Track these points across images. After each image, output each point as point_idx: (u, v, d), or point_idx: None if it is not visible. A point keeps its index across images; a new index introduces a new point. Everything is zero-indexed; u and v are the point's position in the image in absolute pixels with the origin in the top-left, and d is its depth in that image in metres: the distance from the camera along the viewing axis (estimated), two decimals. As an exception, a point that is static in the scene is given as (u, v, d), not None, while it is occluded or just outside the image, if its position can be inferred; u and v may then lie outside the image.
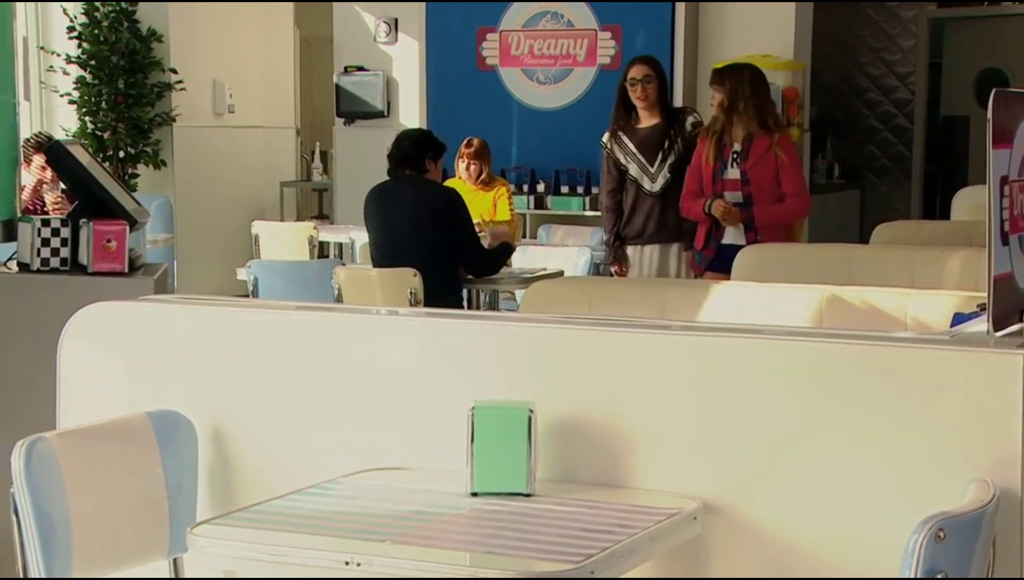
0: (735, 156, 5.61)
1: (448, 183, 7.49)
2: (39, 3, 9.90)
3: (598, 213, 8.94)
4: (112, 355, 2.77)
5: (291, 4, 10.95)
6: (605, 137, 6.29)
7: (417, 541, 2.14)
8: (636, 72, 6.20)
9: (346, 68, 9.90)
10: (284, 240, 7.59)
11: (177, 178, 9.76)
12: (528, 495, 2.39)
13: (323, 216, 10.48)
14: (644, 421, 2.49)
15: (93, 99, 9.67)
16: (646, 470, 2.48)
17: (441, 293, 5.60)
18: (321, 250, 7.92)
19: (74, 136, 9.53)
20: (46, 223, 3.98)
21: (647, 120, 6.19)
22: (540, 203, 9.32)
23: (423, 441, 2.58)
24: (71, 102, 9.66)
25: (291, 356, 2.70)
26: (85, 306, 2.79)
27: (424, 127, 9.19)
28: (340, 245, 7.87)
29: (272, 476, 2.62)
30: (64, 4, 9.74)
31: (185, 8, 9.88)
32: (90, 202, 4.06)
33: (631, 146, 6.17)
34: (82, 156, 4.24)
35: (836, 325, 3.73)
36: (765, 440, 2.44)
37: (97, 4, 9.62)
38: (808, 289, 3.91)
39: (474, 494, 2.39)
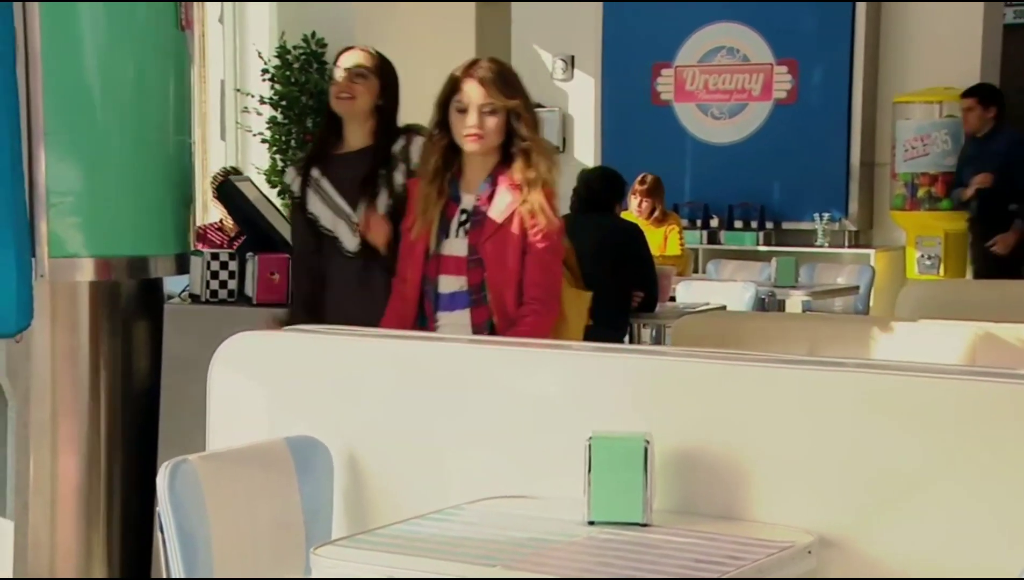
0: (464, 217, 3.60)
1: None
2: (237, 48, 10.32)
3: (772, 248, 8.92)
4: (256, 382, 2.91)
5: (472, 43, 11.17)
6: (289, 175, 4.23)
7: (528, 567, 2.20)
8: (345, 59, 4.16)
9: (523, 105, 10.06)
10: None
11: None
12: (644, 525, 2.43)
13: (501, 250, 10.62)
14: (765, 454, 2.51)
15: (283, 137, 10.02)
16: (766, 503, 2.49)
17: (608, 326, 5.65)
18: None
19: (265, 173, 9.92)
20: (215, 257, 4.18)
21: (353, 141, 4.13)
22: (713, 238, 9.33)
23: (547, 470, 2.65)
24: (263, 141, 10.03)
25: (422, 385, 2.80)
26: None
27: (601, 163, 9.30)
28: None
29: (404, 501, 2.71)
30: (259, 48, 10.15)
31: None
32: (256, 236, 4.25)
33: (325, 183, 4.07)
34: (250, 192, 4.44)
35: (989, 363, 3.67)
36: (888, 476, 2.43)
37: (288, 48, 9.98)
38: (962, 326, 3.86)
39: (591, 523, 2.44)
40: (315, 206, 4.03)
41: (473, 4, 11.04)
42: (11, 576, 4.05)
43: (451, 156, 3.62)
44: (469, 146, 3.57)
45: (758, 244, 9.18)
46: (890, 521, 2.42)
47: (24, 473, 3.99)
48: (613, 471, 2.43)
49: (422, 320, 3.62)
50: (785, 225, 9.37)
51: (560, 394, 2.71)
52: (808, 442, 2.49)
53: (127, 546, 4.20)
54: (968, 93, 8.25)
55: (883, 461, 2.43)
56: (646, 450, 2.43)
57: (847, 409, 2.48)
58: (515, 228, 3.54)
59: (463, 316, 3.57)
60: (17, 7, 3.89)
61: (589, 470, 2.44)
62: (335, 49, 9.92)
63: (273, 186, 9.94)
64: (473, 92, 3.58)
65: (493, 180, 3.58)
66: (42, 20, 3.98)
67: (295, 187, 4.10)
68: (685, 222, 9.16)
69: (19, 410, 3.92)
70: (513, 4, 10.08)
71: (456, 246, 3.58)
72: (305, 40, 10.02)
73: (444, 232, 3.58)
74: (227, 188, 4.36)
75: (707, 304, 6.14)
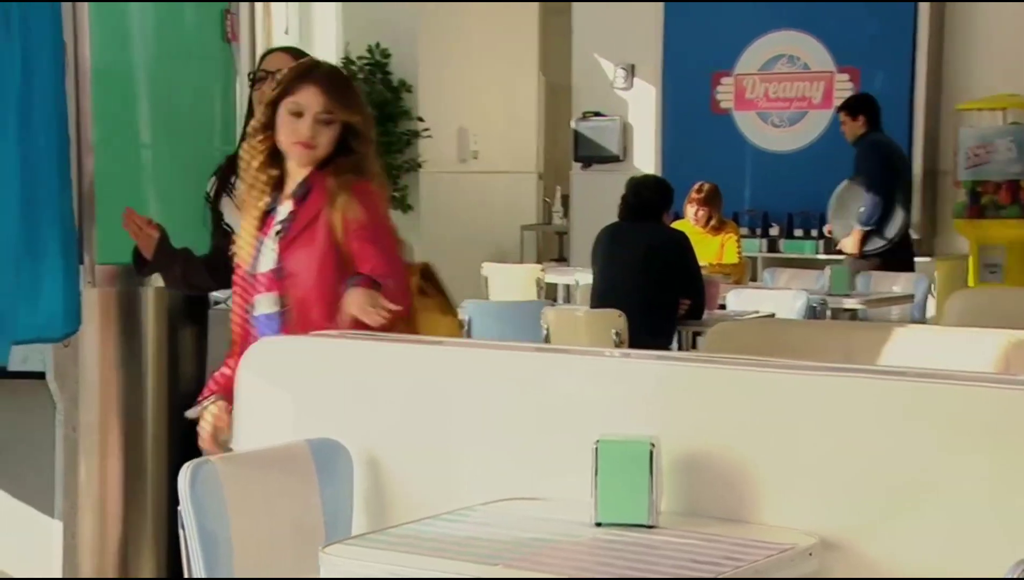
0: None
1: (677, 225, 7.61)
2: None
3: (831, 256, 8.88)
4: (280, 386, 2.99)
5: (536, 52, 11.26)
6: (210, 182, 4.07)
7: (528, 566, 2.25)
8: (270, 63, 3.91)
9: (584, 113, 10.11)
10: (513, 282, 7.81)
11: (422, 222, 10.15)
12: (650, 527, 2.47)
13: (562, 259, 10.69)
14: (772, 458, 2.54)
15: (347, 147, 10.16)
16: (772, 506, 2.52)
17: (654, 335, 5.69)
18: (550, 292, 8.11)
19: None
20: (258, 264, 4.26)
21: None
22: (773, 246, 9.32)
23: (561, 472, 2.69)
24: (328, 150, 10.18)
25: (440, 389, 2.85)
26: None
27: (658, 171, 9.32)
28: (567, 287, 8.03)
29: (422, 502, 2.76)
30: (324, 59, 10.30)
31: (434, 59, 10.30)
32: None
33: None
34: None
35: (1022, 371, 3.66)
36: (894, 481, 2.45)
37: (352, 58, 10.13)
38: (996, 334, 3.85)
39: (598, 524, 2.48)
40: (229, 212, 3.93)
41: (536, 14, 11.13)
42: (60, 577, 4.16)
43: (273, 162, 3.27)
44: (296, 155, 3.23)
45: (817, 252, 9.15)
46: (896, 526, 2.43)
47: (72, 475, 4.10)
48: (620, 474, 2.47)
49: None
50: (846, 233, 9.32)
51: (575, 398, 2.75)
52: (816, 446, 2.52)
53: (174, 546, 4.29)
54: None
55: (890, 465, 2.45)
56: (651, 453, 2.47)
57: (854, 413, 2.50)
58: (321, 234, 3.17)
59: None
60: (67, 18, 4.00)
61: (596, 473, 2.49)
62: (399, 59, 10.14)
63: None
64: (312, 97, 3.20)
65: (307, 183, 3.25)
66: (92, 31, 4.09)
67: (212, 192, 4.06)
68: (744, 230, 9.17)
69: (67, 413, 4.02)
70: (574, 13, 10.14)
71: (268, 260, 3.24)
72: (369, 51, 10.18)
73: (259, 248, 3.25)
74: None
75: (756, 311, 6.15)
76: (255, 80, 3.92)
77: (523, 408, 2.78)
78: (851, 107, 8.15)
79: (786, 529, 2.46)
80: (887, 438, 2.46)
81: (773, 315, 6.07)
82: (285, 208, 3.25)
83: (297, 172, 3.27)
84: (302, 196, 3.24)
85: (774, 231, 9.39)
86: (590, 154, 10.04)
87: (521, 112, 11.13)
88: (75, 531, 4.11)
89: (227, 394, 3.23)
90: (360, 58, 10.12)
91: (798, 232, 9.34)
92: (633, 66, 10.01)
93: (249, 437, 2.96)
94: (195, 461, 2.67)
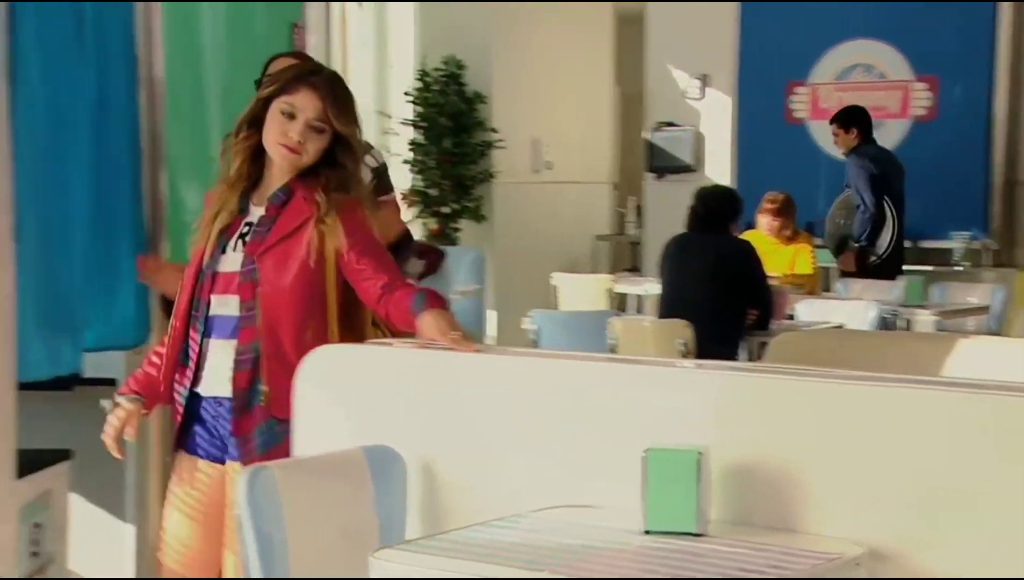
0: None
1: (749, 236, 7.59)
2: (379, 71, 10.57)
3: (909, 266, 8.79)
4: (337, 393, 3.04)
5: (610, 63, 11.27)
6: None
7: (572, 573, 2.27)
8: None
9: (657, 124, 10.11)
10: (584, 292, 7.83)
11: (496, 232, 10.20)
12: (698, 535, 2.48)
13: (635, 269, 10.69)
14: (823, 468, 2.55)
15: (422, 158, 10.25)
16: (822, 516, 2.52)
17: (721, 344, 5.69)
18: (621, 302, 8.12)
19: (404, 194, 10.15)
20: (324, 274, 4.32)
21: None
22: (848, 256, 9.22)
23: (614, 481, 2.71)
24: (404, 162, 10.27)
25: (493, 397, 2.89)
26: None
27: (732, 182, 9.30)
28: (638, 297, 8.04)
29: (474, 509, 2.79)
30: (400, 71, 10.40)
31: (509, 71, 10.35)
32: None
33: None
34: (363, 213, 4.59)
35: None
36: (945, 492, 2.45)
37: (428, 70, 10.21)
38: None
39: (647, 532, 2.50)
40: None
41: (611, 24, 11.15)
42: (134, 577, 4.25)
43: (254, 160, 3.16)
44: (280, 156, 3.11)
45: (894, 262, 9.06)
46: (947, 536, 2.43)
47: (143, 479, 4.19)
48: (668, 483, 2.49)
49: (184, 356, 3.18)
50: (923, 244, 9.23)
51: (628, 407, 2.77)
52: (867, 455, 2.52)
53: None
54: None
55: (940, 475, 2.45)
56: (699, 463, 2.49)
57: (904, 423, 2.50)
58: (303, 246, 3.08)
59: (228, 345, 3.11)
60: (140, 32, 4.10)
61: (645, 482, 2.51)
62: (474, 71, 10.21)
63: (412, 205, 10.18)
64: (308, 100, 3.09)
65: (289, 190, 3.14)
66: (165, 48, 4.18)
67: None
68: (819, 241, 9.11)
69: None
70: (648, 23, 10.14)
71: (232, 261, 3.12)
72: (445, 62, 10.24)
73: (221, 248, 3.13)
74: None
75: (826, 322, 6.12)
76: (260, 85, 3.58)
77: (576, 416, 2.81)
78: (843, 119, 8.23)
79: (835, 539, 2.46)
80: (938, 448, 2.46)
81: (842, 326, 6.04)
82: (258, 211, 3.14)
83: (276, 176, 3.15)
84: (281, 203, 3.13)
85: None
86: (663, 164, 10.03)
87: (595, 122, 11.15)
88: (146, 534, 4.20)
89: (146, 394, 3.25)
90: (436, 69, 10.20)
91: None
92: (707, 76, 9.99)
93: (309, 443, 3.01)
94: (254, 467, 2.73)
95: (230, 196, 3.14)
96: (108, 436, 3.22)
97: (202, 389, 3.18)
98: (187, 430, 3.24)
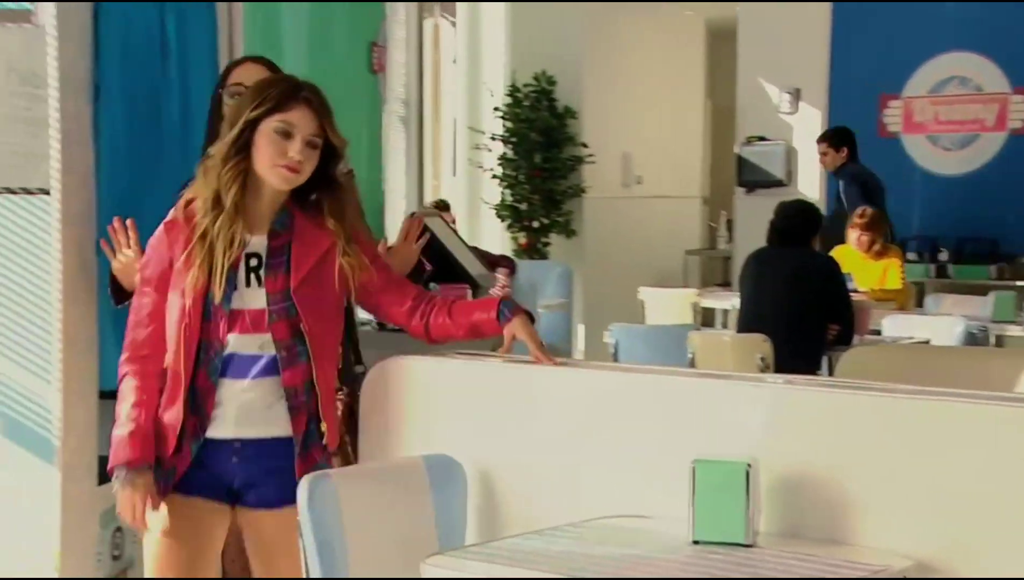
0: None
1: (839, 250, 7.53)
2: (470, 87, 10.68)
3: (1005, 282, 8.68)
4: (401, 403, 3.10)
5: (702, 78, 11.26)
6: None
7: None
8: (243, 75, 3.48)
9: (748, 138, 10.09)
10: (671, 306, 7.83)
11: (586, 247, 10.24)
12: (747, 546, 2.50)
13: (727, 284, 10.66)
14: (873, 481, 2.55)
15: (512, 173, 10.33)
16: (871, 529, 2.53)
17: (801, 359, 5.66)
18: (708, 317, 8.11)
19: (495, 208, 10.25)
20: (400, 287, 4.40)
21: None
22: (942, 272, 9.13)
23: (667, 491, 2.74)
24: (493, 177, 10.36)
25: (551, 409, 2.94)
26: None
27: (823, 196, 9.25)
28: (725, 312, 8.03)
29: (531, 518, 2.84)
30: (491, 87, 10.49)
31: (599, 86, 10.40)
32: (441, 268, 4.46)
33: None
34: (438, 227, 4.66)
35: None
36: (997, 507, 2.44)
37: (519, 86, 10.29)
38: None
39: (695, 542, 2.53)
40: None
41: (703, 39, 11.14)
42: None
43: (245, 186, 2.93)
44: (280, 178, 2.92)
45: (990, 278, 8.94)
46: (995, 550, 2.42)
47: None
48: (716, 494, 2.52)
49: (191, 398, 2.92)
50: (1021, 259, 9.10)
51: (682, 418, 2.80)
52: (916, 468, 2.52)
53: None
54: None
55: (990, 490, 2.44)
56: (748, 474, 2.51)
57: (953, 437, 2.50)
58: (332, 276, 2.96)
59: (259, 385, 2.91)
60: (223, 52, 4.20)
61: (693, 492, 2.54)
62: (564, 86, 10.27)
63: (503, 220, 10.26)
64: (304, 118, 2.92)
65: (290, 215, 2.98)
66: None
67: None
68: (913, 256, 9.02)
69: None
70: (740, 37, 10.12)
71: (252, 297, 2.92)
72: (536, 78, 10.31)
73: (231, 283, 2.91)
74: (413, 222, 4.59)
75: (910, 337, 6.06)
76: (220, 91, 3.51)
77: (632, 428, 2.85)
78: (835, 139, 8.40)
79: (883, 551, 2.47)
80: (987, 462, 2.45)
81: (928, 342, 5.98)
82: (258, 241, 2.94)
83: (267, 200, 2.95)
84: (289, 228, 2.96)
85: (943, 256, 9.21)
86: (754, 179, 10.00)
87: (686, 137, 11.15)
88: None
89: (151, 457, 2.92)
90: (526, 85, 10.27)
91: (969, 257, 9.14)
92: (799, 90, 9.94)
93: (373, 451, 3.08)
94: (314, 474, 2.80)
95: (231, 227, 2.89)
96: (137, 522, 2.94)
97: (215, 432, 2.92)
98: (184, 475, 2.95)
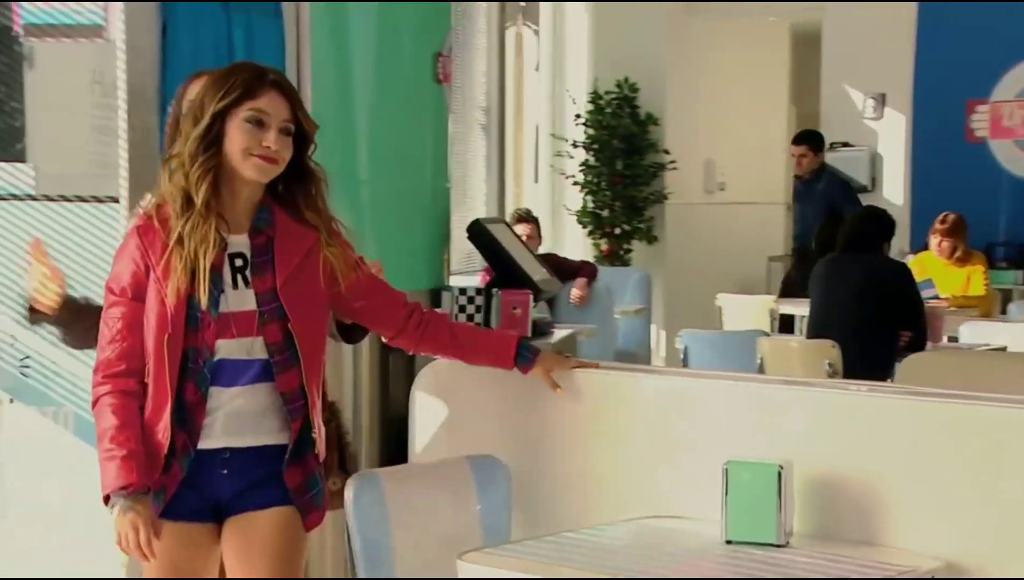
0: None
1: (919, 257, 7.47)
2: (553, 94, 10.73)
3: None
4: (448, 405, 3.17)
5: (786, 84, 11.19)
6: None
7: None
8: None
9: (832, 144, 10.01)
10: (748, 312, 7.81)
11: (668, 253, 10.23)
12: (779, 546, 2.53)
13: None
14: (905, 483, 2.58)
15: (594, 180, 10.35)
16: (903, 530, 2.55)
17: (871, 366, 5.62)
18: (785, 323, 8.06)
19: (576, 214, 10.29)
20: (463, 292, 4.49)
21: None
22: (1033, 278, 9.02)
23: (705, 493, 2.77)
24: (575, 184, 10.39)
25: (599, 411, 2.98)
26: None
27: (908, 202, 9.17)
28: (803, 318, 7.98)
29: (573, 517, 2.89)
30: (573, 94, 10.54)
31: (682, 92, 10.39)
32: (503, 274, 4.53)
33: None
34: (501, 234, 4.73)
35: None
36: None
37: (600, 93, 10.33)
38: None
39: (728, 542, 2.56)
40: None
41: (787, 44, 11.08)
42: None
43: (216, 184, 2.72)
44: (256, 169, 2.71)
45: (1078, 285, 8.81)
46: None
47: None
48: (749, 495, 2.55)
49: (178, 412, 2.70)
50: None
51: (721, 420, 2.83)
52: (950, 471, 2.53)
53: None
54: None
55: (1020, 492, 2.45)
56: (780, 476, 2.53)
57: (987, 441, 2.51)
58: (317, 273, 2.76)
59: (251, 391, 2.72)
60: (291, 66, 4.31)
61: (726, 493, 2.57)
62: (647, 93, 10.28)
63: (584, 226, 10.29)
64: (277, 104, 2.72)
65: (270, 210, 2.77)
66: (314, 77, 4.39)
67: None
68: (1002, 262, 8.91)
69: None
70: (824, 43, 10.06)
71: (239, 299, 2.72)
72: (618, 85, 10.33)
73: (217, 286, 2.71)
74: (476, 229, 4.68)
75: (986, 345, 5.99)
76: (177, 107, 3.13)
77: (669, 431, 2.89)
78: (813, 141, 8.72)
79: (914, 553, 2.48)
80: (1019, 465, 2.45)
81: (1005, 349, 5.91)
82: (238, 239, 2.74)
83: (243, 194, 2.75)
84: (270, 224, 2.76)
85: (1032, 262, 9.09)
86: (839, 185, 9.92)
87: (770, 142, 11.08)
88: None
89: (146, 481, 2.68)
90: (608, 92, 10.30)
91: (1055, 263, 9.01)
92: (884, 95, 9.86)
93: (420, 453, 3.14)
94: (360, 474, 2.87)
95: (206, 228, 2.68)
96: (144, 551, 2.66)
97: (203, 443, 2.72)
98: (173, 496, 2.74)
